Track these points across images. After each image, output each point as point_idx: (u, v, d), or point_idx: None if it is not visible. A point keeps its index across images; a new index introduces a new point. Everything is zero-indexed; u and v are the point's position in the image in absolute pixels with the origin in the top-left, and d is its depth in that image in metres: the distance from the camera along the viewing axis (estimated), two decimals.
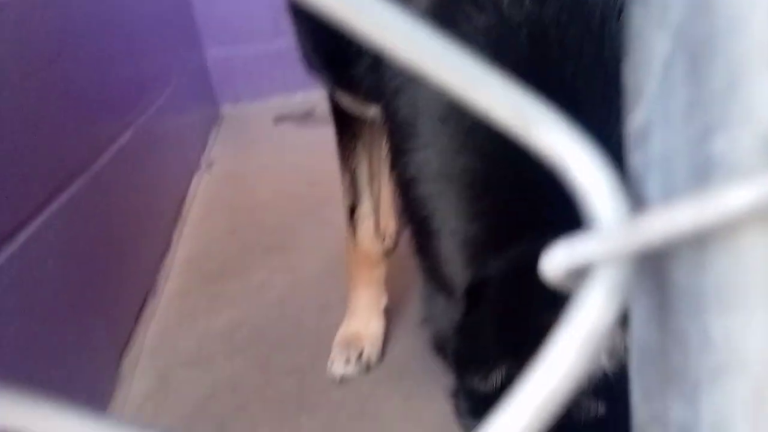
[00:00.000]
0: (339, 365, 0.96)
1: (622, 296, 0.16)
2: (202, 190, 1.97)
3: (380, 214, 1.05)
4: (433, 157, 0.59)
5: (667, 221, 0.16)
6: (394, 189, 0.70)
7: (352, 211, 1.00)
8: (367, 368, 0.97)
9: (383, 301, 1.04)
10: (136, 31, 1.69)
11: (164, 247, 1.51)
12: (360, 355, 0.97)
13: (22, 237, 0.81)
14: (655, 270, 0.18)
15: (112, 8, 1.50)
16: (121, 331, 1.13)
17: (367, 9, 0.16)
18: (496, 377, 0.53)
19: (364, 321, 1.02)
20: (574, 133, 0.17)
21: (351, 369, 0.96)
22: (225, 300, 1.27)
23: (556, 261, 0.17)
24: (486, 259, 0.55)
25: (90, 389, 0.94)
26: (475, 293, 0.54)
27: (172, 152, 1.86)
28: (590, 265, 0.17)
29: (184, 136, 2.07)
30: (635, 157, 0.19)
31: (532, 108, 0.17)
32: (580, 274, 0.17)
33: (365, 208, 1.00)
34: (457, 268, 0.59)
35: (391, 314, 1.06)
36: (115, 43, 1.48)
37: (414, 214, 0.63)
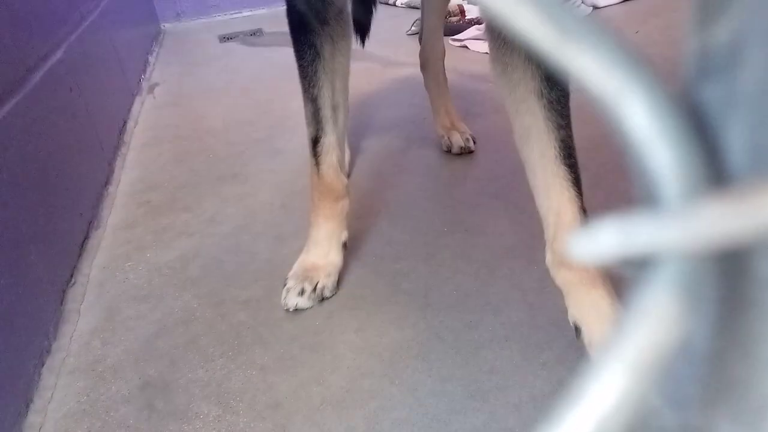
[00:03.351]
0: (293, 296, 0.95)
1: (696, 299, 0.13)
2: (144, 115, 1.87)
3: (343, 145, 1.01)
4: None
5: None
6: None
7: (315, 142, 0.96)
8: (321, 300, 0.97)
9: (344, 234, 1.02)
10: None
11: (106, 176, 1.44)
12: (315, 287, 0.96)
13: None
14: (728, 256, 0.14)
15: None
16: (62, 265, 1.08)
17: None
18: None
19: (323, 253, 1.00)
20: (629, 59, 0.12)
21: (305, 300, 0.95)
22: (175, 232, 1.23)
23: (605, 243, 0.13)
24: None
25: (32, 327, 0.90)
26: None
27: (109, 72, 1.74)
28: (654, 255, 0.13)
29: (123, 55, 1.93)
30: (709, 91, 0.14)
31: (567, 18, 0.12)
32: (638, 263, 0.13)
33: (329, 139, 0.96)
34: None
35: (347, 248, 1.04)
36: None
37: None
